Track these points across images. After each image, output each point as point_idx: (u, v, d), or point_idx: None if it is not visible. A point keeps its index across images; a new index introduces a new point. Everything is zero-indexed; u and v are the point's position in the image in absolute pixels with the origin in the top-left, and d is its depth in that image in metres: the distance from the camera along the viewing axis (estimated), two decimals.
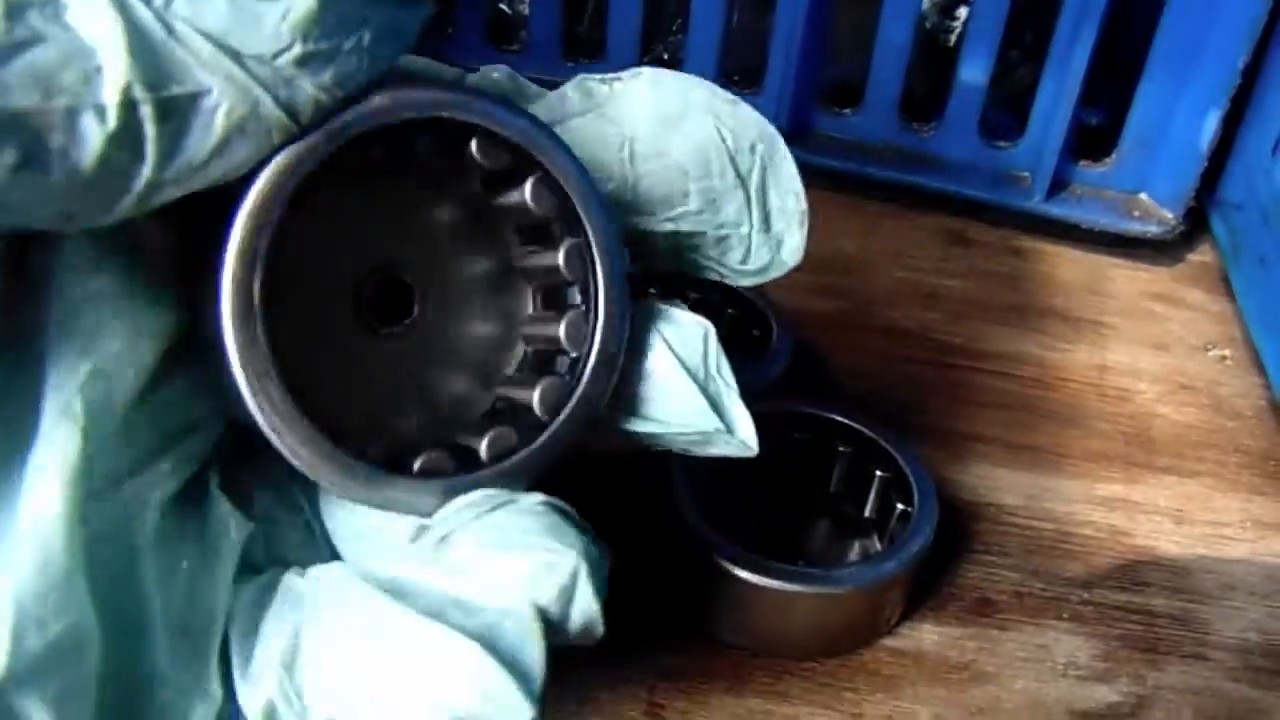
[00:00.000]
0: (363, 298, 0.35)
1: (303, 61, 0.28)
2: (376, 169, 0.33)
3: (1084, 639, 0.49)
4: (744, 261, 0.38)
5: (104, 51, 0.26)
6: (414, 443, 0.33)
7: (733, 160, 0.36)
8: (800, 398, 0.52)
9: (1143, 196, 0.74)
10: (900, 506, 0.49)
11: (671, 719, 0.44)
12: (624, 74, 0.37)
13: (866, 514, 0.52)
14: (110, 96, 0.26)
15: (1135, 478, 0.58)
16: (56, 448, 0.29)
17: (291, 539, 0.34)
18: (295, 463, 0.31)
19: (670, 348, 0.36)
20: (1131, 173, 0.74)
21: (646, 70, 0.37)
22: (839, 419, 0.51)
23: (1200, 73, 0.69)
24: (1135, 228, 0.74)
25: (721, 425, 0.36)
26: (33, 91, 0.25)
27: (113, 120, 0.26)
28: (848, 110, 0.77)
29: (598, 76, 0.37)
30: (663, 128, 0.36)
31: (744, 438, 0.36)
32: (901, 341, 0.66)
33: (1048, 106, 0.72)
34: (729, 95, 0.36)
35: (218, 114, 0.27)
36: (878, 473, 0.51)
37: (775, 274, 0.39)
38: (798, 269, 0.67)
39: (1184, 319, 0.70)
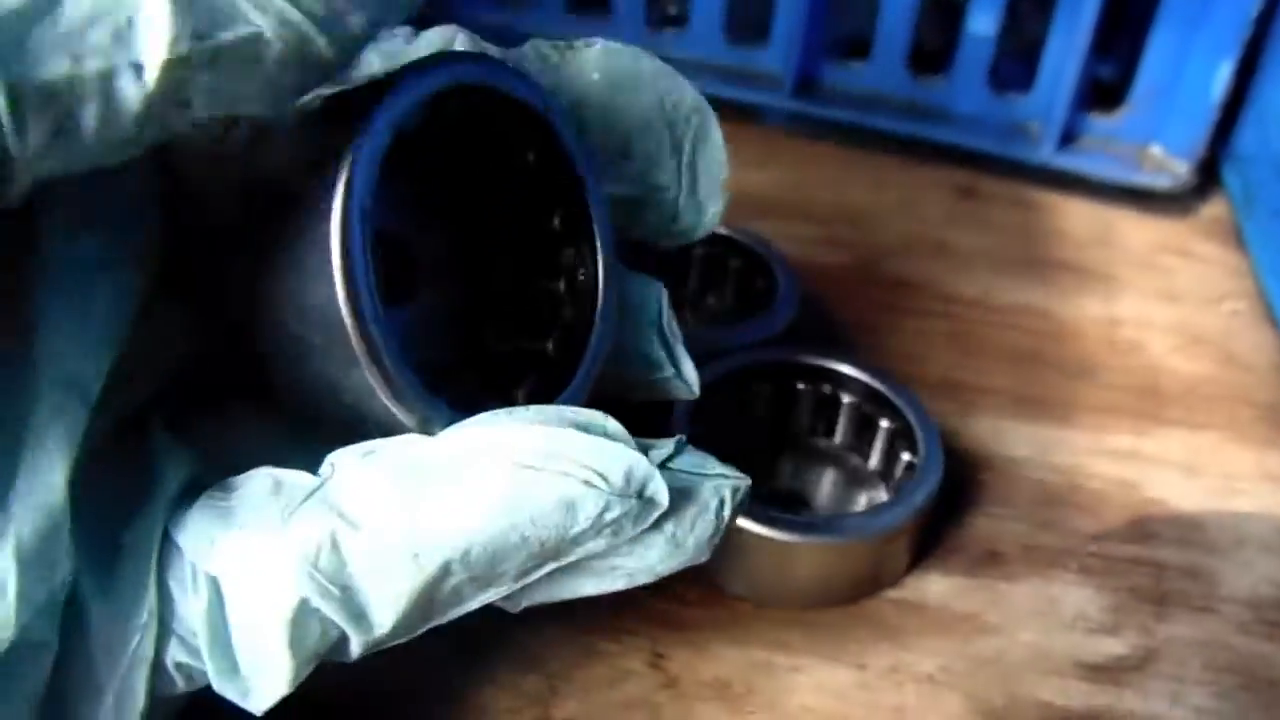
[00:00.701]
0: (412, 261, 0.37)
1: None
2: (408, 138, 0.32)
3: (1092, 591, 0.48)
4: (673, 222, 0.40)
5: (142, 3, 0.24)
6: (471, 397, 0.34)
7: (670, 129, 0.39)
8: (806, 349, 0.52)
9: (1154, 148, 0.74)
10: (906, 457, 0.48)
11: (675, 670, 0.44)
12: (577, 43, 0.39)
13: (872, 465, 0.51)
14: (152, 54, 0.24)
15: (1145, 430, 0.57)
16: (59, 417, 0.29)
17: None
18: (408, 420, 0.31)
19: (631, 304, 0.39)
20: (1143, 124, 0.73)
21: (600, 40, 0.39)
22: (844, 370, 0.51)
23: (1212, 22, 0.68)
24: (1146, 180, 0.73)
25: (674, 371, 0.39)
26: (59, 58, 0.23)
27: (153, 80, 0.25)
28: (856, 62, 0.76)
29: (550, 43, 0.39)
30: (612, 95, 0.38)
31: (689, 380, 0.39)
32: (910, 294, 0.65)
33: (1057, 57, 0.71)
34: (670, 69, 0.39)
35: (269, 55, 0.26)
36: (883, 423, 0.50)
37: (697, 236, 0.41)
38: (807, 220, 0.67)
39: (1196, 272, 0.70)
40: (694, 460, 0.32)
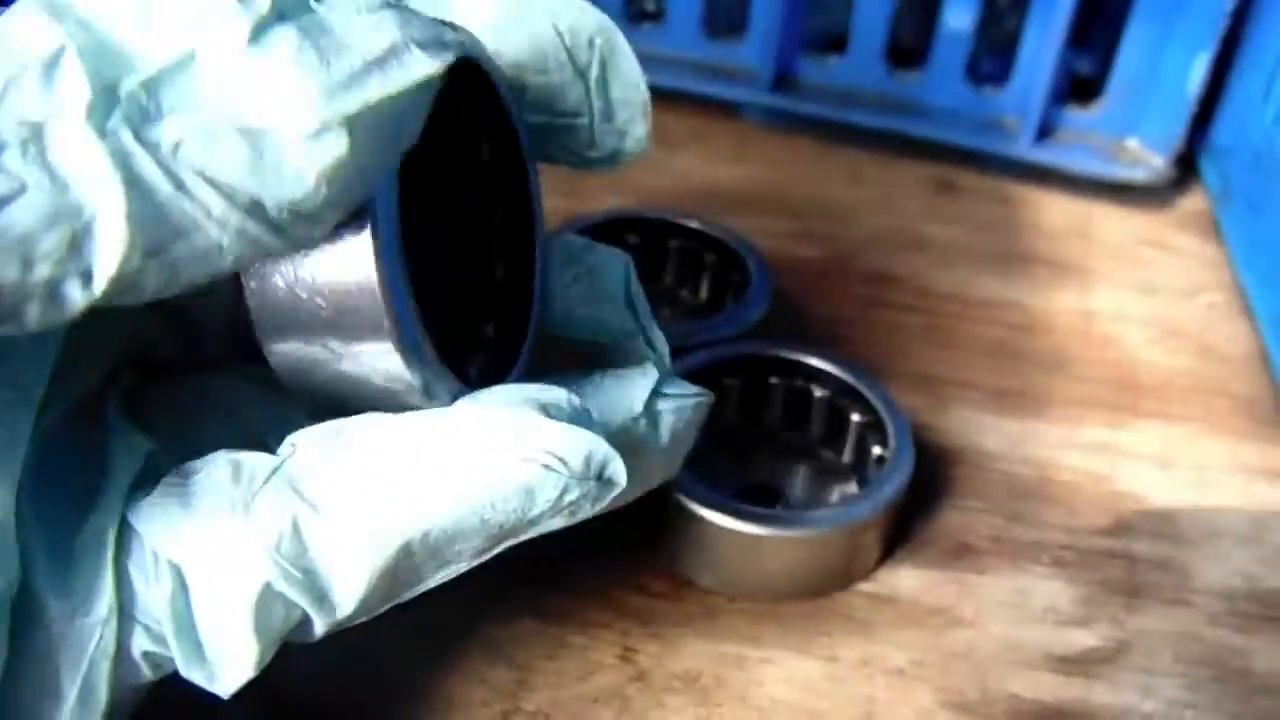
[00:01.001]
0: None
1: (328, 203, 0.27)
2: None
3: (1064, 584, 0.48)
4: (590, 148, 0.39)
5: (98, 212, 0.23)
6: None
7: (570, 56, 0.37)
8: (778, 343, 0.52)
9: (1131, 142, 0.74)
10: (877, 450, 0.48)
11: (645, 664, 0.44)
12: None
13: (844, 459, 0.51)
14: (102, 267, 0.24)
15: (1120, 423, 0.57)
16: (7, 428, 0.29)
17: None
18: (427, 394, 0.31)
19: (597, 276, 0.39)
20: (1120, 118, 0.73)
21: None
22: (816, 364, 0.51)
23: (1188, 15, 0.68)
24: (1124, 173, 0.73)
25: (643, 339, 0.39)
26: (10, 263, 0.23)
27: (100, 289, 0.24)
28: (833, 57, 0.76)
29: None
30: (502, 28, 0.37)
31: (662, 351, 0.39)
32: (886, 288, 0.65)
33: (1033, 51, 0.71)
34: None
35: (224, 261, 0.26)
36: (854, 417, 0.50)
37: (624, 161, 0.40)
38: (784, 215, 0.67)
39: (1173, 264, 0.70)
40: (676, 386, 0.36)
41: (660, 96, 0.39)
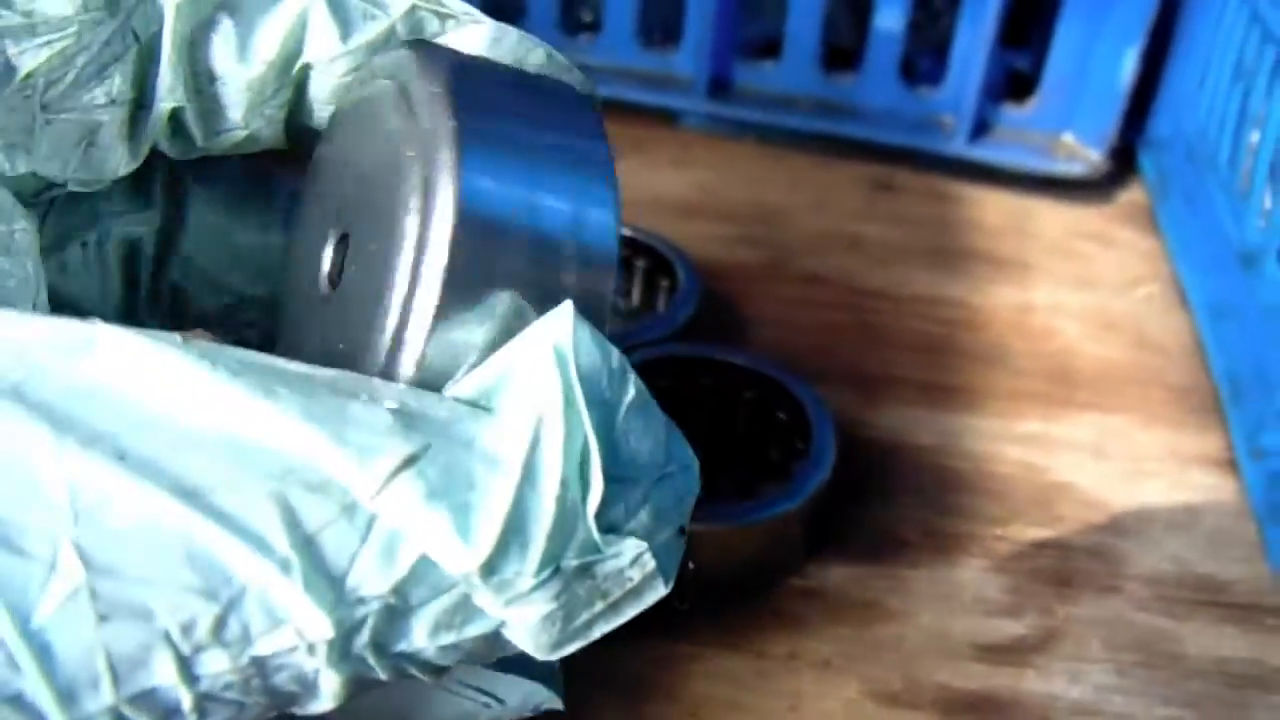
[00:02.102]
0: None
1: None
2: None
3: (995, 575, 0.49)
4: None
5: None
6: None
7: None
8: (706, 344, 0.52)
9: (1066, 137, 0.74)
10: (802, 447, 0.49)
11: (574, 662, 0.44)
12: (463, 16, 0.35)
13: (771, 458, 0.51)
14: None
15: (1055, 415, 0.58)
16: None
17: None
18: None
19: None
20: (1054, 113, 0.74)
21: (490, 22, 0.34)
22: (742, 364, 0.51)
23: (1117, 10, 0.69)
24: (1060, 168, 0.74)
25: None
26: None
27: None
28: (768, 63, 0.77)
29: (433, 6, 0.34)
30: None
31: None
32: (821, 289, 0.66)
33: (966, 49, 0.72)
34: (564, 60, 0.35)
35: None
36: (780, 416, 0.50)
37: None
38: (724, 220, 0.67)
39: (1111, 258, 0.70)
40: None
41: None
